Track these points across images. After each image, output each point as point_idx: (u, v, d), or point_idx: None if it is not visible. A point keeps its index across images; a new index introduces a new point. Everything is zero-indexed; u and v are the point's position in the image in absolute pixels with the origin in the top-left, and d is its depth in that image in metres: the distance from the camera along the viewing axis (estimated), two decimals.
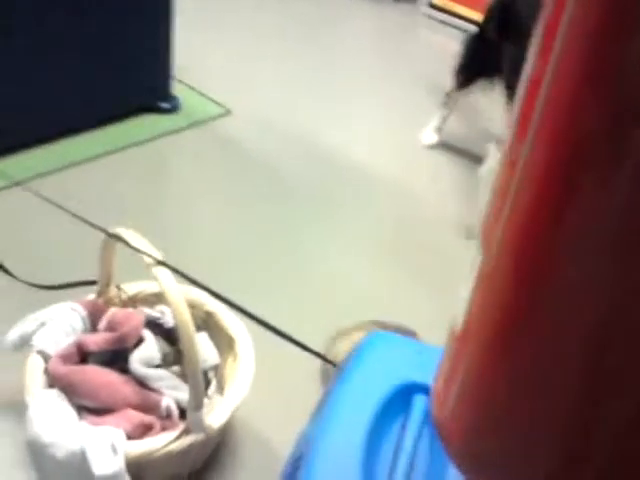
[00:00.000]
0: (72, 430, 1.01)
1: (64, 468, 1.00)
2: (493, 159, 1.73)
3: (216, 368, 1.22)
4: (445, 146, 2.18)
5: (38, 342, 1.12)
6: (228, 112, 2.17)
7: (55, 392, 1.08)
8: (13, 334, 1.15)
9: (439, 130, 2.18)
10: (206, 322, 1.25)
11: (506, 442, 0.51)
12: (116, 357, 1.12)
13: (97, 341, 1.11)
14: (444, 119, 2.17)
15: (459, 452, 0.56)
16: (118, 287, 1.23)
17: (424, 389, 0.98)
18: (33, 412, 1.03)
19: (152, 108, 2.09)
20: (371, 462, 0.89)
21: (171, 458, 1.04)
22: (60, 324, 1.15)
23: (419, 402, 0.96)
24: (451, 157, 2.14)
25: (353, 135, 2.18)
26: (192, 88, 2.23)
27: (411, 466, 0.88)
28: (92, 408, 1.08)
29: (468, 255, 1.71)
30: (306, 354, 1.17)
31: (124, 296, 1.23)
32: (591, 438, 0.45)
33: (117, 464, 0.98)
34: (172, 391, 1.11)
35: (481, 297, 0.46)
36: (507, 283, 0.43)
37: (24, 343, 1.14)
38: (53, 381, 1.08)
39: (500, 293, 0.44)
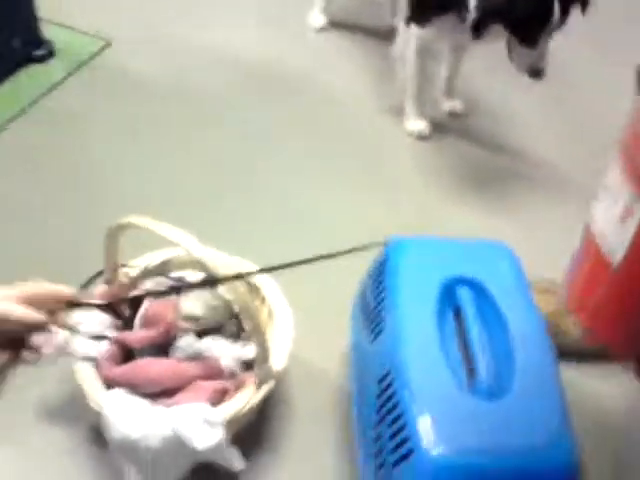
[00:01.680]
0: (157, 417, 1.04)
1: (163, 455, 1.04)
2: (403, 36, 1.77)
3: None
4: (337, 26, 2.17)
5: (78, 349, 1.10)
6: (108, 44, 2.02)
7: (118, 390, 1.08)
8: (47, 347, 1.11)
9: (326, 10, 2.16)
10: None
11: None
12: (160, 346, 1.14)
13: (139, 339, 1.12)
14: None
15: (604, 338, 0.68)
16: (125, 267, 1.21)
17: (463, 281, 1.09)
18: (110, 415, 1.04)
19: (27, 60, 1.90)
20: (451, 357, 1.00)
21: (252, 411, 1.11)
22: (90, 325, 1.13)
23: (464, 294, 1.07)
24: (346, 36, 2.15)
25: (242, 34, 2.11)
26: (62, 25, 2.03)
27: (482, 351, 1.00)
28: (160, 392, 1.10)
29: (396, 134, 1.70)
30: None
31: (134, 274, 1.22)
32: None
33: (217, 434, 1.03)
34: (225, 353, 1.15)
35: None
36: None
37: (61, 353, 1.11)
38: (111, 384, 1.09)
39: None
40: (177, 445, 1.03)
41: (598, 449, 0.98)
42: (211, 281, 1.08)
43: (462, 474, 0.89)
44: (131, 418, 1.04)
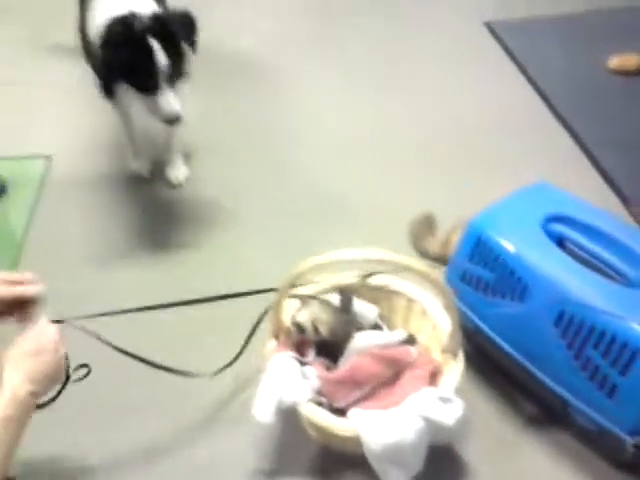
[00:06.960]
0: (403, 415, 1.11)
1: (418, 445, 1.10)
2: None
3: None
4: None
5: (293, 397, 1.13)
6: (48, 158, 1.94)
7: (355, 410, 1.14)
8: (266, 411, 1.12)
9: None
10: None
11: None
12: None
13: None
14: None
15: None
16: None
17: (550, 219, 1.27)
18: (364, 432, 1.10)
19: None
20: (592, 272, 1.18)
21: None
22: (289, 375, 1.16)
23: (559, 226, 1.27)
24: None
25: None
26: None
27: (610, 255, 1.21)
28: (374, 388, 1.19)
29: None
30: None
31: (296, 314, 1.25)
32: None
33: (459, 407, 1.11)
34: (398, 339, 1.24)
35: None
36: None
37: (280, 409, 1.13)
38: (334, 389, 1.17)
39: None
40: (427, 432, 1.10)
41: None
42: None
43: None
44: (382, 426, 1.09)
